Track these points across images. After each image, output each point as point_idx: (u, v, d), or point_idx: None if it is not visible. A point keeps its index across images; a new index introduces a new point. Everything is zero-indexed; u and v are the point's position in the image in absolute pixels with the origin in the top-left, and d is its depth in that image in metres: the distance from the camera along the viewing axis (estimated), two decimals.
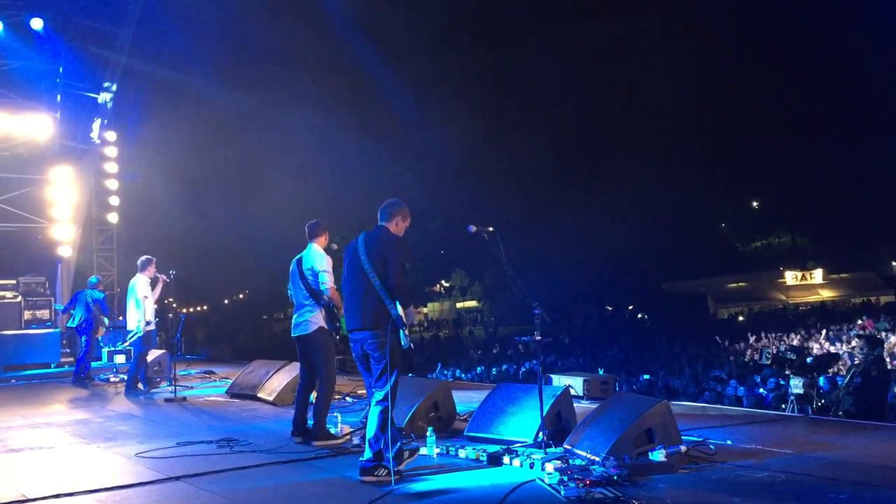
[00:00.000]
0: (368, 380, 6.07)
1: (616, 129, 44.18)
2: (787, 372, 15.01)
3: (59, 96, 19.95)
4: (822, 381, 13.56)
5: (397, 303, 5.75)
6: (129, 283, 11.69)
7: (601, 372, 14.07)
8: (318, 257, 7.35)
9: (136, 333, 11.39)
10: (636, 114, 44.04)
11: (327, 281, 7.24)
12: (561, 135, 43.95)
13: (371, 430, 5.73)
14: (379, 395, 5.75)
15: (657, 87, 43.77)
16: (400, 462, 5.75)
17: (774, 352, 17.82)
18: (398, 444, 5.81)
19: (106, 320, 13.73)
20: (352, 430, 7.43)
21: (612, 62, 43.42)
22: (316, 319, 7.28)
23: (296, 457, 6.62)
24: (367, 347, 5.86)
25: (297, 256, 7.52)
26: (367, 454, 5.73)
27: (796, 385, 12.16)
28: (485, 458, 6.22)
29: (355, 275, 5.94)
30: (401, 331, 5.74)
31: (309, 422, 7.33)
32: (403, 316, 5.76)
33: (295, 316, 7.46)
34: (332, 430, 7.43)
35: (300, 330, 7.37)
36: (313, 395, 7.46)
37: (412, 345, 5.88)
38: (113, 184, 21.20)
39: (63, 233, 19.41)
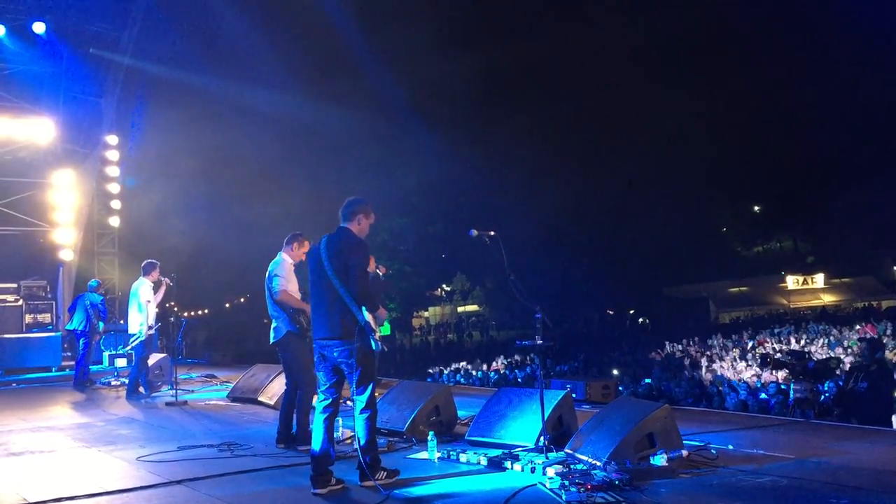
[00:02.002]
0: (328, 381, 5.85)
1: (617, 133, 44.26)
2: (788, 377, 15.02)
3: (61, 100, 19.99)
4: (825, 385, 13.55)
5: (363, 309, 5.61)
6: (132, 286, 11.70)
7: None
8: (276, 263, 7.44)
9: (138, 337, 11.39)
10: (638, 119, 44.10)
11: (277, 285, 7.28)
12: (561, 137, 44.06)
13: (362, 439, 5.70)
14: (361, 404, 5.70)
15: (660, 92, 43.88)
16: (375, 474, 5.66)
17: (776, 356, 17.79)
18: (370, 453, 5.77)
19: (101, 325, 13.69)
20: (353, 433, 7.42)
21: (613, 64, 43.52)
22: (284, 325, 7.32)
23: (297, 461, 6.62)
24: (339, 356, 5.70)
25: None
26: (363, 462, 5.70)
27: (798, 390, 12.15)
28: (486, 463, 6.22)
29: (320, 281, 5.76)
30: (370, 336, 5.61)
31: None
32: (372, 321, 5.66)
33: (272, 324, 7.49)
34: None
35: (274, 336, 7.42)
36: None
37: (385, 347, 5.79)
38: (114, 187, 21.23)
39: (64, 236, 19.42)
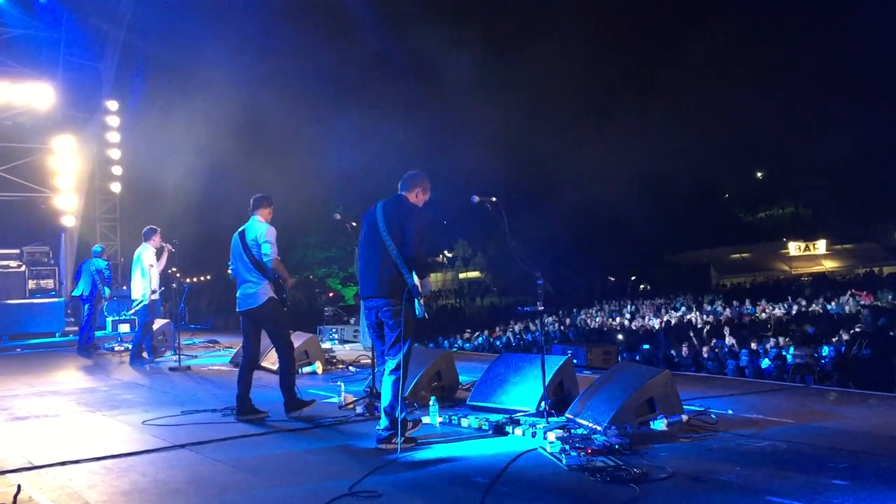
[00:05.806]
0: (380, 347, 6.10)
1: (619, 94, 43.93)
2: (789, 342, 15.08)
3: (60, 65, 19.87)
4: (825, 350, 13.62)
5: (413, 272, 5.75)
6: (135, 252, 11.72)
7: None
8: (261, 228, 7.12)
9: (141, 302, 11.44)
10: (640, 80, 43.75)
11: (270, 252, 7.02)
12: (560, 101, 43.68)
13: (386, 399, 5.79)
14: (391, 364, 5.81)
15: (661, 57, 43.51)
16: (405, 431, 5.81)
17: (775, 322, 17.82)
18: (403, 413, 5.86)
19: (106, 290, 13.71)
20: (355, 399, 7.48)
21: (620, 26, 43.12)
22: (265, 290, 7.04)
23: (299, 426, 6.67)
24: (382, 315, 5.89)
25: (240, 229, 7.24)
26: (384, 423, 5.79)
27: (798, 355, 12.20)
28: (487, 428, 6.26)
29: (372, 242, 5.96)
30: (416, 300, 5.74)
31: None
32: (419, 285, 5.78)
33: (240, 290, 7.16)
34: (336, 399, 7.52)
35: (249, 303, 7.09)
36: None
37: (426, 315, 5.86)
38: (115, 153, 21.17)
39: (66, 202, 19.42)
